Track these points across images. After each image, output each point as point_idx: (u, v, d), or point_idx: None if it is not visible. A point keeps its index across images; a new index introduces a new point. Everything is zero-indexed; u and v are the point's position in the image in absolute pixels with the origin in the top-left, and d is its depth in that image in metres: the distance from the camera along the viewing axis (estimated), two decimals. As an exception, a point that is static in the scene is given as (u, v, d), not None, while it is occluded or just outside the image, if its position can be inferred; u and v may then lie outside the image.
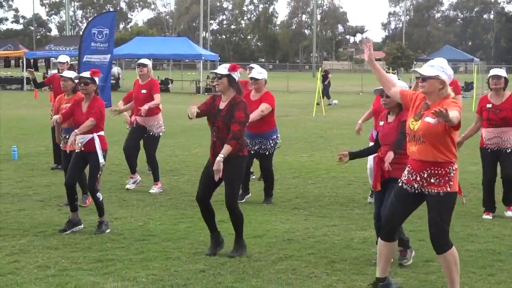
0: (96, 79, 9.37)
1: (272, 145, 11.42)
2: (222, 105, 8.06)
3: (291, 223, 9.91)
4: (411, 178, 6.42)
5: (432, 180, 6.31)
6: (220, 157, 7.83)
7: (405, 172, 6.51)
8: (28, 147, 17.84)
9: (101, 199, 9.35)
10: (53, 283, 7.08)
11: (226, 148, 7.84)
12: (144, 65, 12.24)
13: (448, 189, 6.31)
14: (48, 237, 8.96)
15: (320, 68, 38.26)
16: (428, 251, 8.17)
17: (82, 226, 9.38)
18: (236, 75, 8.09)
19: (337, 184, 13.17)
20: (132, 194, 11.92)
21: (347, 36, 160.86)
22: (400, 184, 6.55)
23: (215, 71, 8.11)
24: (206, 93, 46.79)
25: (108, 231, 9.22)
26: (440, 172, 6.29)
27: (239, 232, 8.26)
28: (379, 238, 6.82)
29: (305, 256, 8.18)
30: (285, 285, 7.13)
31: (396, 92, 6.73)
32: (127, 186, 12.34)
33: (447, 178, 6.30)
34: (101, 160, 9.26)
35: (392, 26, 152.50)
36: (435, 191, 6.32)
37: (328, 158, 16.59)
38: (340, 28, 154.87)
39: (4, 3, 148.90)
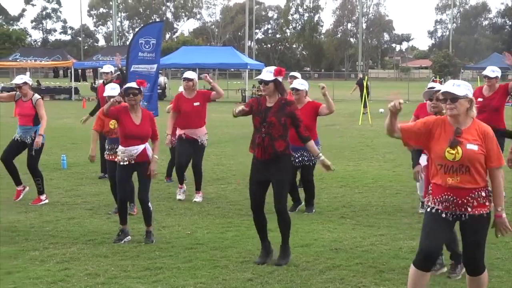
0: (142, 89, 9.48)
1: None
2: (270, 104, 8.18)
3: (338, 232, 9.87)
4: (452, 205, 5.99)
5: (476, 203, 5.96)
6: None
7: (440, 199, 6.02)
8: (77, 156, 18.05)
9: (151, 208, 9.43)
10: (103, 291, 7.17)
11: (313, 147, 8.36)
12: (190, 79, 12.31)
13: (489, 209, 6.03)
14: (98, 245, 9.06)
15: (366, 77, 38.04)
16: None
17: (130, 237, 9.43)
18: (281, 78, 8.19)
19: (385, 193, 13.09)
20: (179, 203, 11.99)
21: (393, 45, 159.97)
22: (437, 212, 6.06)
23: (260, 77, 8.15)
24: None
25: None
26: (483, 194, 5.99)
27: (286, 238, 8.28)
28: (415, 268, 6.13)
29: (353, 265, 8.15)
30: (333, 295, 7.11)
31: (399, 131, 6.17)
32: (179, 197, 12.38)
33: (489, 199, 6.03)
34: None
35: (439, 34, 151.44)
36: (481, 212, 5.98)
37: (375, 167, 16.50)
38: (386, 36, 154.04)
39: (52, 14, 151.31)
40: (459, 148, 5.90)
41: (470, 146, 5.90)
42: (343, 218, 10.88)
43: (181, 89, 12.79)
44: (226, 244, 9.14)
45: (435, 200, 6.07)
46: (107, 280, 7.53)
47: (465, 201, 5.95)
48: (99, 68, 48.98)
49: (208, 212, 11.29)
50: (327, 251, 8.83)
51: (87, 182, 14.17)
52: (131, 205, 10.96)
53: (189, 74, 12.38)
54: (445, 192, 5.99)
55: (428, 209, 6.15)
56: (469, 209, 5.96)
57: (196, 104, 12.28)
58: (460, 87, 5.94)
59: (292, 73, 14.23)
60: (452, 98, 5.93)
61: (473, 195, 5.95)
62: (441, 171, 5.99)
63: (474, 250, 6.09)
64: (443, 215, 6.04)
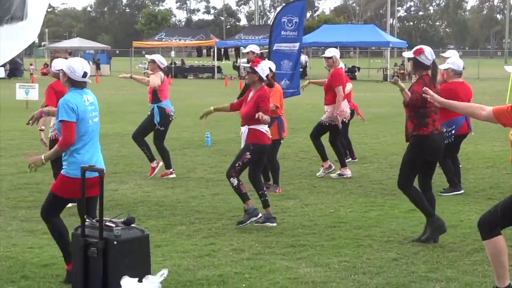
0: (257, 68, 9.00)
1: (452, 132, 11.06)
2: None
3: (486, 214, 9.58)
4: None
5: None
6: None
7: None
8: (220, 133, 18.36)
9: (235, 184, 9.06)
10: (248, 266, 7.26)
11: None
12: (329, 58, 12.37)
13: None
14: (243, 221, 9.17)
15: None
16: None
17: (275, 224, 9.07)
18: (420, 57, 8.07)
19: (535, 174, 12.59)
20: (322, 181, 11.98)
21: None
22: None
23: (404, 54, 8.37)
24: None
25: (254, 219, 8.86)
26: None
27: (423, 212, 8.19)
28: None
29: (502, 248, 7.89)
30: (482, 277, 6.93)
31: (490, 114, 6.09)
32: (318, 174, 12.44)
33: None
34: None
35: None
36: None
37: (523, 148, 15.89)
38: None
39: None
40: None
41: None
42: (490, 200, 10.54)
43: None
44: (369, 223, 9.07)
45: None
46: (252, 255, 7.63)
47: None
48: (241, 47, 49.60)
49: (351, 191, 11.23)
50: (474, 232, 8.55)
51: (230, 159, 14.26)
52: (274, 186, 11.09)
53: (328, 53, 12.45)
54: None
55: None
56: None
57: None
58: None
59: (450, 51, 13.66)
60: None
61: None
62: None
63: None
64: None
